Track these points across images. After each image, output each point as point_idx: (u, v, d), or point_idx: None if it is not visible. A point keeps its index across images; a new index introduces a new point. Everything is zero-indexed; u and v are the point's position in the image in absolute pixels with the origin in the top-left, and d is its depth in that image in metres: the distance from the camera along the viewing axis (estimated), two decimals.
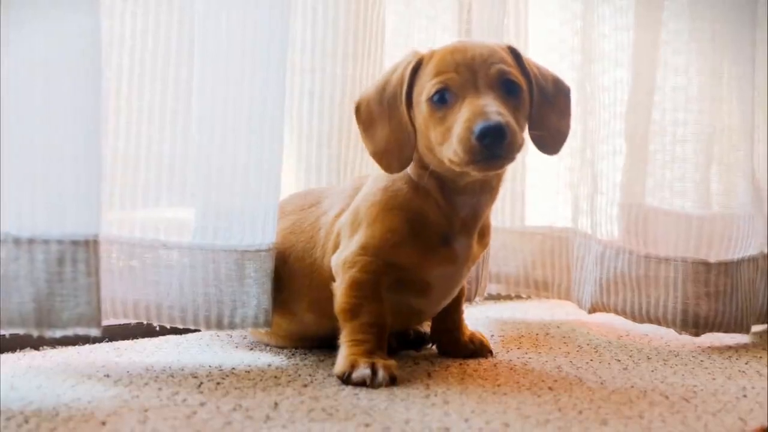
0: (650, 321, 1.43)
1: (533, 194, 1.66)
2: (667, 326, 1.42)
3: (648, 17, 1.47)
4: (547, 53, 1.64)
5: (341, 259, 1.12)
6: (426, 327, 1.31)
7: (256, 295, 1.16)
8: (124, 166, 1.17)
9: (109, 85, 1.16)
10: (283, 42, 1.17)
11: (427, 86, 1.07)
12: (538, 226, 1.63)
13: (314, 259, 1.18)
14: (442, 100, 1.06)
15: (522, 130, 1.08)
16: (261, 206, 1.17)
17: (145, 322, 1.18)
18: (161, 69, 1.18)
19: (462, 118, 1.03)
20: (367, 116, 1.13)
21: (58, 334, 0.99)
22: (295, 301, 1.19)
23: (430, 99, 1.07)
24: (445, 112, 1.06)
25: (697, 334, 1.41)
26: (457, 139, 1.02)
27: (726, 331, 1.41)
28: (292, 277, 1.19)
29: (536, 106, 1.12)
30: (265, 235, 1.17)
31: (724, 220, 1.46)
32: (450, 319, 1.25)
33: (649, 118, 1.47)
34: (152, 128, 1.17)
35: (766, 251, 1.50)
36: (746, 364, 1.26)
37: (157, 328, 1.23)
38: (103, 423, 0.88)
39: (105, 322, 1.26)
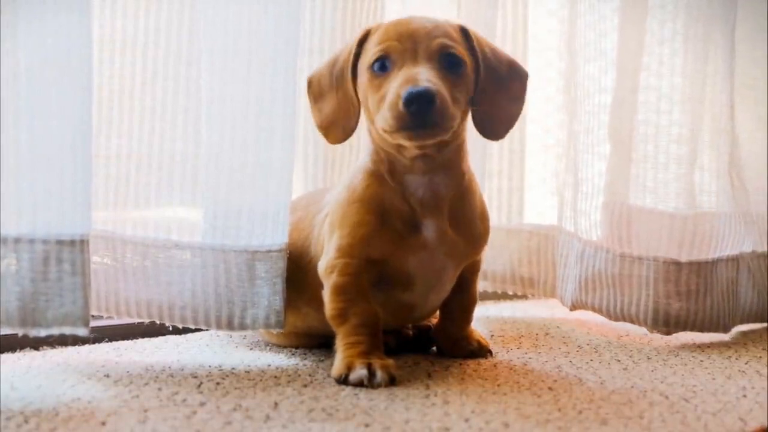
0: (624, 319, 1.43)
1: (525, 192, 1.66)
2: (640, 325, 1.42)
3: (633, 18, 1.47)
4: (544, 51, 1.64)
5: (323, 266, 1.13)
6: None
7: (267, 295, 1.16)
8: (138, 166, 1.17)
9: (122, 85, 1.16)
10: (292, 39, 1.16)
11: (368, 54, 1.09)
12: (525, 224, 1.63)
13: (311, 258, 1.19)
14: (383, 68, 1.07)
15: (460, 105, 1.08)
16: (272, 205, 1.17)
17: (147, 321, 1.18)
18: (173, 68, 1.18)
19: (394, 85, 1.04)
20: (317, 90, 1.16)
21: (43, 333, 0.99)
22: (298, 295, 1.20)
23: (371, 67, 1.08)
24: (382, 80, 1.07)
25: (668, 333, 1.42)
26: (388, 105, 1.03)
27: (700, 330, 1.42)
28: (295, 272, 1.19)
29: (483, 86, 1.12)
30: (275, 235, 1.17)
31: (699, 220, 1.46)
32: (453, 319, 1.24)
33: (633, 118, 1.47)
34: (164, 127, 1.18)
35: (754, 250, 1.50)
36: (746, 364, 1.26)
37: (158, 326, 1.23)
38: (103, 423, 0.88)
39: (107, 322, 1.28)
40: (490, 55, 1.14)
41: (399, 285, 1.15)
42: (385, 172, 1.12)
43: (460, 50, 1.09)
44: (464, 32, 1.13)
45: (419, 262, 1.13)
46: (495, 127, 1.15)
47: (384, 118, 1.04)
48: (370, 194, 1.12)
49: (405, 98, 1.01)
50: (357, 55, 1.12)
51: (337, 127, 1.14)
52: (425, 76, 1.03)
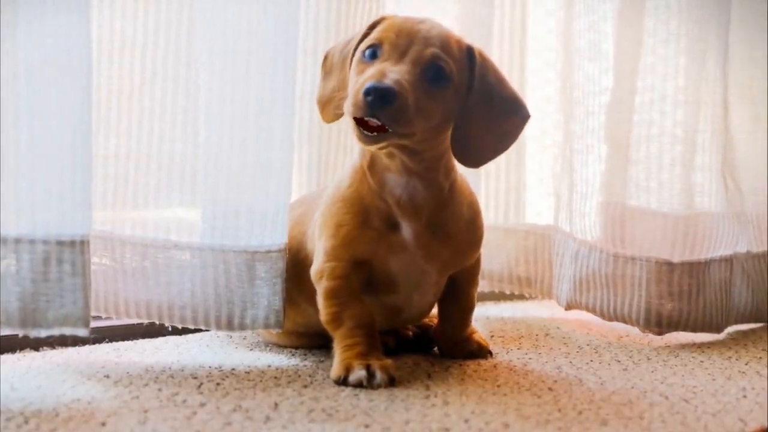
0: (617, 319, 1.44)
1: (522, 192, 1.66)
2: (632, 324, 1.43)
3: (630, 19, 1.47)
4: (543, 52, 1.63)
5: (314, 271, 1.14)
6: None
7: (267, 296, 1.16)
8: (137, 166, 1.17)
9: (121, 85, 1.16)
10: (292, 40, 1.17)
11: (366, 40, 1.09)
12: (522, 223, 1.63)
13: (306, 254, 1.19)
14: (373, 55, 1.07)
15: (430, 119, 1.06)
16: (271, 205, 1.17)
17: (146, 322, 1.18)
18: (172, 68, 1.18)
19: (368, 73, 1.04)
20: (329, 66, 1.17)
21: (44, 333, 0.99)
22: (298, 292, 1.20)
23: (363, 51, 1.08)
24: (365, 67, 1.06)
25: (660, 333, 1.42)
26: (353, 91, 1.03)
27: (693, 331, 1.42)
28: (295, 268, 1.20)
29: (471, 110, 1.09)
30: (275, 235, 1.17)
31: (693, 221, 1.46)
32: (452, 321, 1.24)
33: (630, 119, 1.47)
34: (163, 127, 1.18)
35: (749, 251, 1.51)
36: (746, 364, 1.26)
37: (158, 326, 1.23)
38: (103, 423, 0.88)
39: (107, 323, 1.27)
40: (492, 84, 1.11)
41: (383, 287, 1.14)
42: (367, 167, 1.12)
43: (451, 66, 1.07)
44: (469, 52, 1.10)
45: (400, 263, 1.13)
46: (471, 153, 1.12)
47: (348, 102, 1.04)
48: (352, 193, 1.13)
49: (365, 88, 1.00)
50: (364, 39, 1.11)
51: (331, 105, 1.14)
52: (395, 76, 1.02)
